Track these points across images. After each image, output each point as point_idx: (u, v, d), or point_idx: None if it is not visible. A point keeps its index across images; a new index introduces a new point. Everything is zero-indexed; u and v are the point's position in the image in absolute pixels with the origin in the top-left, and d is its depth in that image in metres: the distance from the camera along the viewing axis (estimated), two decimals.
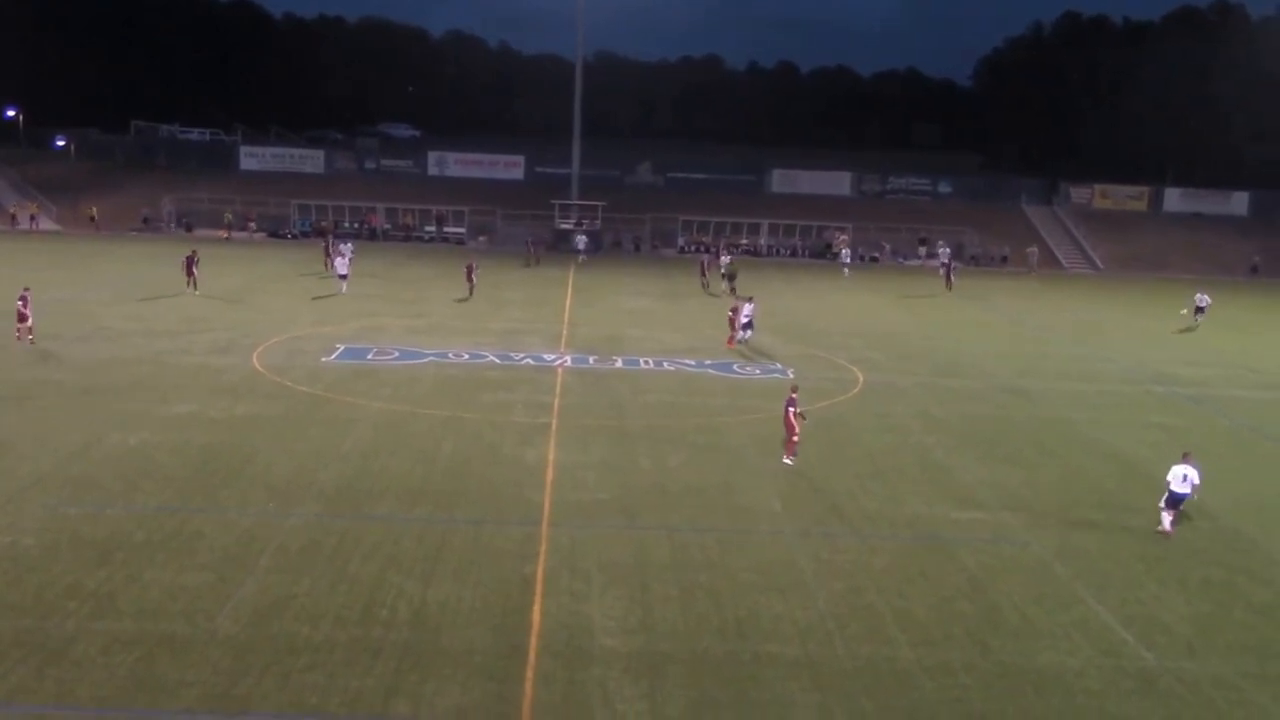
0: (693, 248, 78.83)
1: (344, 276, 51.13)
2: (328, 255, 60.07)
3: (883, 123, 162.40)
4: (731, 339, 40.44)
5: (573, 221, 78.22)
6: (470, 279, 51.07)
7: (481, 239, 75.01)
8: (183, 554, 18.60)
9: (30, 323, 35.35)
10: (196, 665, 14.90)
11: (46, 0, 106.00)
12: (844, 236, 78.36)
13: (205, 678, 14.60)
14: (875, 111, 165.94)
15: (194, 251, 49.23)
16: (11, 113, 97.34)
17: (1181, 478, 21.48)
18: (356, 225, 78.66)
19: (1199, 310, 51.41)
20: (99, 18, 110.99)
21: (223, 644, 15.51)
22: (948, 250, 71.76)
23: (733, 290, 53.50)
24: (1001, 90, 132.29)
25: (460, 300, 48.91)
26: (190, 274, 47.61)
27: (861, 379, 35.78)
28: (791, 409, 25.19)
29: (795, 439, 25.25)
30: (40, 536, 19.07)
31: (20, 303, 35.46)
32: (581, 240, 72.73)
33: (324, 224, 78.05)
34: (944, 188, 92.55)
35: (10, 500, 20.79)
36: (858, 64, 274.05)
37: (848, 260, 71.87)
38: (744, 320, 40.24)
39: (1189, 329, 49.24)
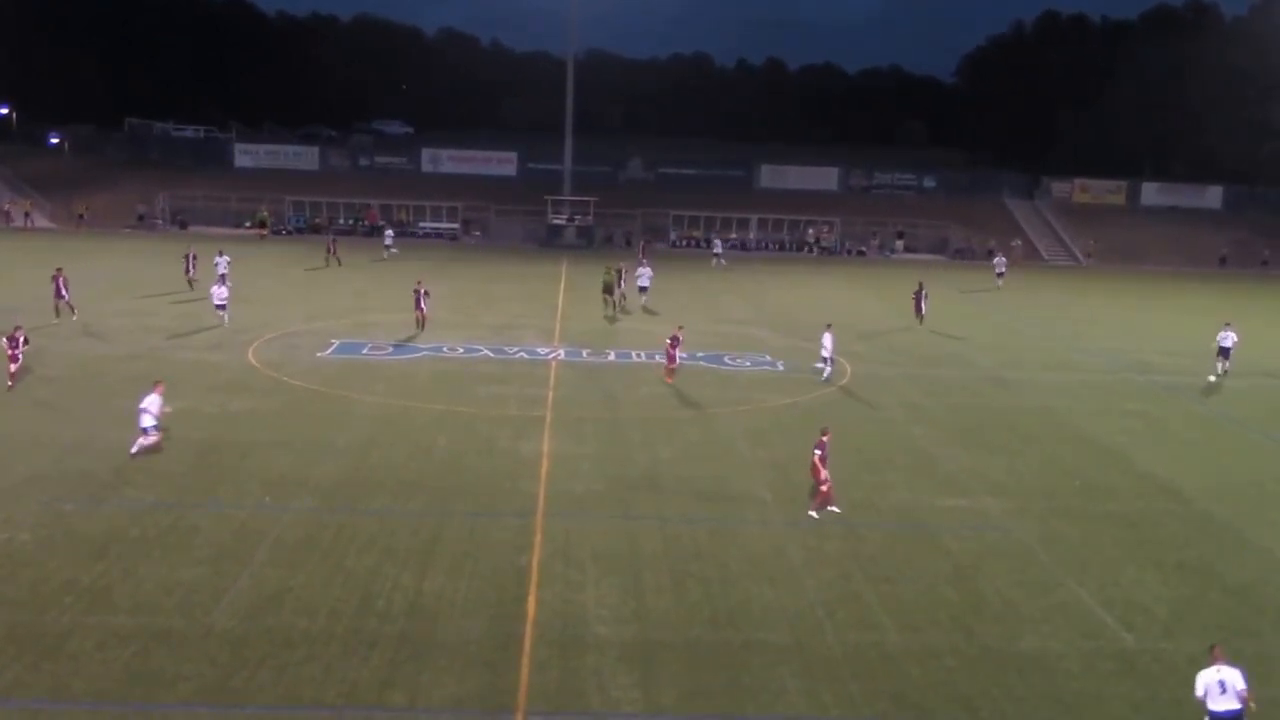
0: (683, 242, 79.09)
1: (222, 307, 39.58)
2: (189, 271, 47.69)
3: (869, 119, 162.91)
4: (670, 371, 33.66)
5: (565, 217, 78.52)
6: (420, 307, 40.08)
7: (483, 233, 75.02)
8: (179, 549, 18.82)
9: (18, 367, 29.76)
10: (193, 659, 15.10)
11: None
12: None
13: (202, 671, 14.80)
14: (862, 108, 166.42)
15: (60, 270, 39.64)
16: (4, 110, 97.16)
17: (1218, 688, 13.48)
18: (352, 222, 78.67)
19: (1223, 353, 37.57)
20: (93, 15, 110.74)
21: (219, 638, 15.73)
22: (1003, 260, 64.50)
23: (607, 301, 46.76)
24: (984, 87, 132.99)
25: (405, 341, 37.39)
26: (59, 297, 38.91)
27: (849, 370, 36.09)
28: (819, 452, 21.79)
29: (826, 487, 21.82)
30: (36, 532, 19.27)
31: (9, 343, 29.67)
32: (389, 235, 66.62)
33: (318, 220, 78.20)
34: (929, 182, 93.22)
35: (6, 496, 20.99)
36: (844, 61, 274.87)
37: (720, 250, 70.02)
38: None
39: (1218, 381, 37.21)
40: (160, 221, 77.73)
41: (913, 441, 27.81)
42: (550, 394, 31.36)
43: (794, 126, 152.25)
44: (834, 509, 21.68)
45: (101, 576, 17.56)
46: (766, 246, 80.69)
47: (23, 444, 24.29)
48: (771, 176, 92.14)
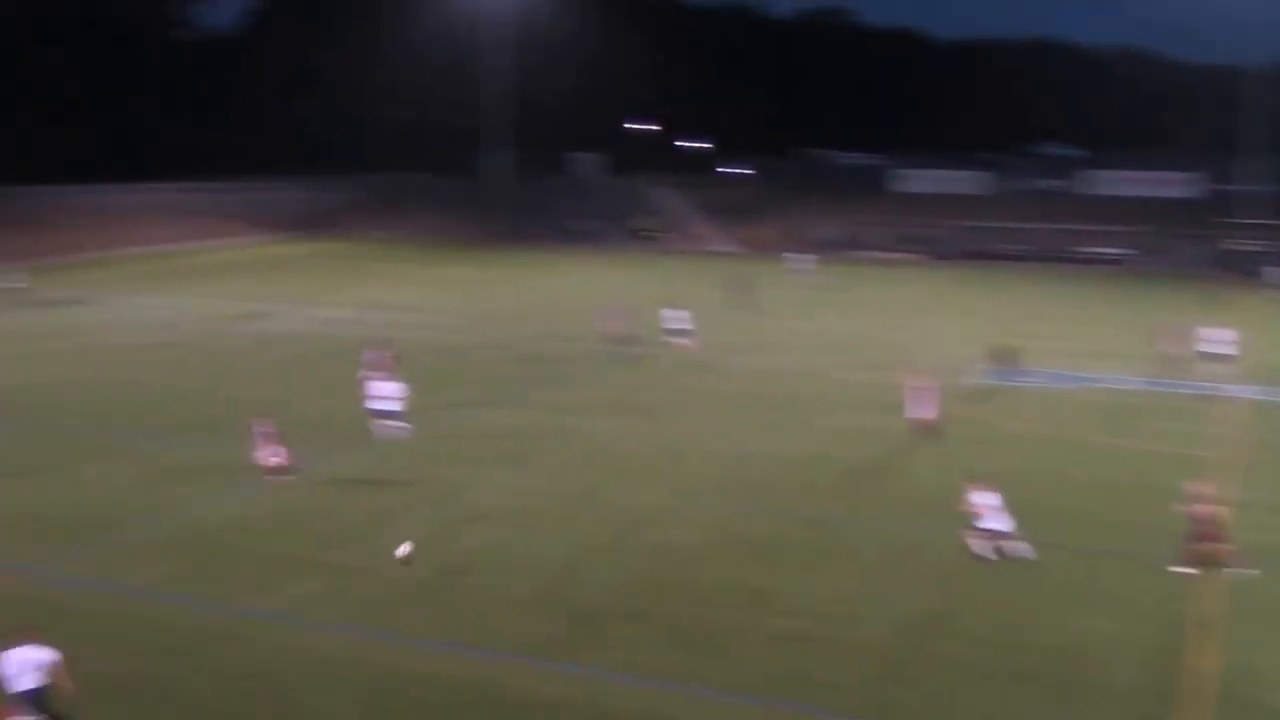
0: None
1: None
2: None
3: None
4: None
5: (1246, 241, 71.07)
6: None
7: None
8: (836, 559, 19.48)
9: None
10: (845, 668, 15.40)
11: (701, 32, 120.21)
12: None
13: (851, 682, 15.06)
14: None
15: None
16: (708, 145, 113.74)
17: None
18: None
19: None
20: (775, 55, 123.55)
21: (869, 651, 15.96)
22: None
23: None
24: None
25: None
26: None
27: None
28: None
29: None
30: (705, 533, 20.82)
31: None
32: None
33: (974, 247, 77.67)
34: None
35: (683, 500, 22.70)
36: None
37: None
38: None
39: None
40: (830, 247, 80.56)
41: None
42: (1227, 433, 28.31)
43: None
44: None
45: (766, 579, 18.48)
46: None
47: (693, 454, 26.14)
48: None
